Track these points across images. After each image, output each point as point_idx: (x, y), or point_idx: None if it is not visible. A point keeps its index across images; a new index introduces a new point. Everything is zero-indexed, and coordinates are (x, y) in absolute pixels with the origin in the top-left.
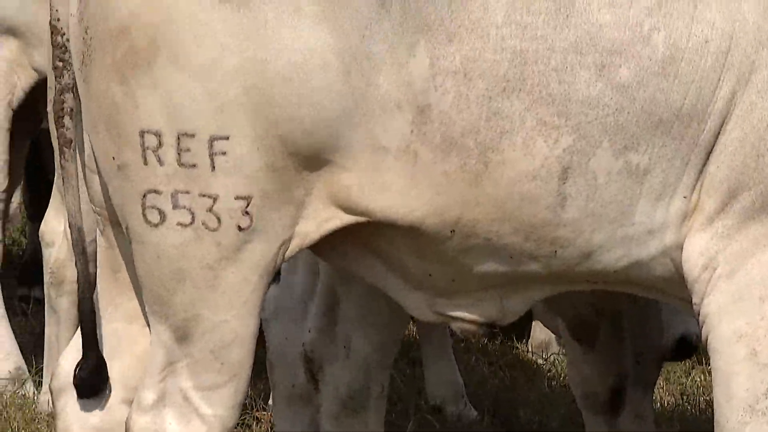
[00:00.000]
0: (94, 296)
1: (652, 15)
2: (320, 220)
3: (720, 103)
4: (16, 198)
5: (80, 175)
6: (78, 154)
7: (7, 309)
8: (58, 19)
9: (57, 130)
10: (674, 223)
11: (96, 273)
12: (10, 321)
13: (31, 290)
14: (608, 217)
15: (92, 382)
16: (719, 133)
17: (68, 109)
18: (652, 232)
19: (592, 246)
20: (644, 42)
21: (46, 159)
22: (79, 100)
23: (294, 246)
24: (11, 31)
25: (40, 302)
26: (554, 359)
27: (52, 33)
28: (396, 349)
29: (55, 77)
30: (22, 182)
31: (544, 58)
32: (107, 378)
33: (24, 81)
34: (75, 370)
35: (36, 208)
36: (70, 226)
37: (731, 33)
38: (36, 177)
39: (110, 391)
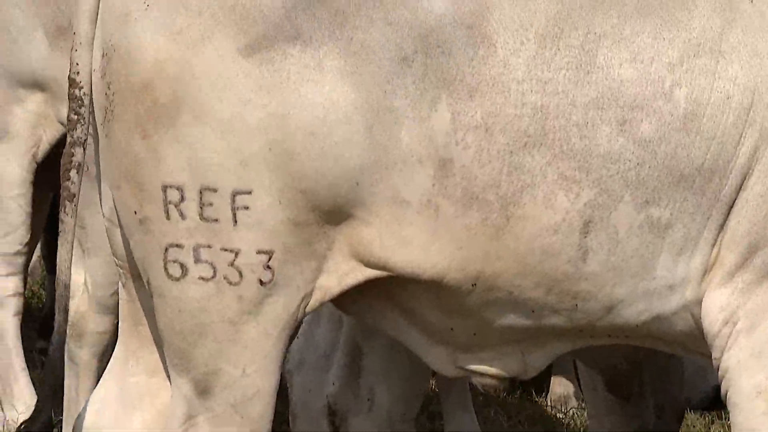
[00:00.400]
0: (116, 349)
1: (674, 71)
2: (341, 273)
3: (742, 159)
4: (36, 251)
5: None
6: (77, 209)
7: (27, 362)
8: (78, 72)
9: (62, 182)
10: (695, 278)
11: (117, 325)
12: (29, 374)
13: (50, 342)
14: (630, 271)
15: None
16: (741, 188)
17: (76, 163)
18: (673, 286)
19: (614, 300)
20: (666, 98)
21: None
22: (97, 154)
23: (315, 300)
24: (38, 85)
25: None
26: (573, 413)
27: (70, 86)
28: (419, 403)
29: (68, 130)
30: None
31: (566, 113)
32: None
33: (49, 134)
34: (19, 427)
35: (55, 261)
36: (56, 281)
37: (754, 88)
38: (55, 230)
39: None
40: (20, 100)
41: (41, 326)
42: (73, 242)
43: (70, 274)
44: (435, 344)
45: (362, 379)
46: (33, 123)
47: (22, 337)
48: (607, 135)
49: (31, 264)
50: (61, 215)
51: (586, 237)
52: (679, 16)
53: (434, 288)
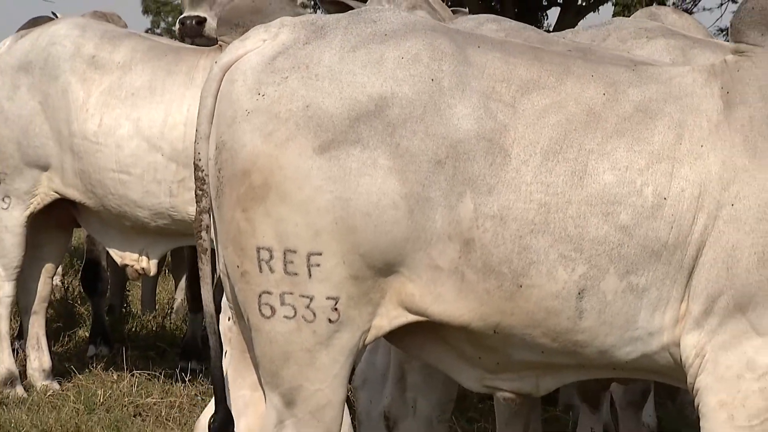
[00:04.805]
0: (227, 368)
1: (642, 174)
2: (391, 317)
3: (696, 235)
4: (180, 295)
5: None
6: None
7: (171, 377)
8: (200, 160)
9: (197, 241)
10: (669, 327)
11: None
12: (172, 385)
13: (189, 363)
14: (617, 325)
15: (223, 431)
16: (697, 256)
17: (205, 226)
18: (653, 334)
19: (606, 346)
20: (638, 194)
21: None
22: (213, 222)
23: (371, 335)
24: None
25: (195, 371)
26: (576, 418)
27: (195, 169)
28: (451, 407)
29: (196, 202)
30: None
31: (563, 208)
32: (233, 429)
33: None
34: (210, 422)
35: (197, 303)
36: (205, 312)
37: (701, 183)
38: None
39: None
40: None
41: (183, 351)
42: (212, 283)
43: (214, 306)
44: (466, 368)
45: (407, 393)
46: None
47: (166, 361)
48: (595, 224)
49: (176, 305)
50: (200, 265)
51: (581, 301)
52: (645, 134)
53: (464, 330)
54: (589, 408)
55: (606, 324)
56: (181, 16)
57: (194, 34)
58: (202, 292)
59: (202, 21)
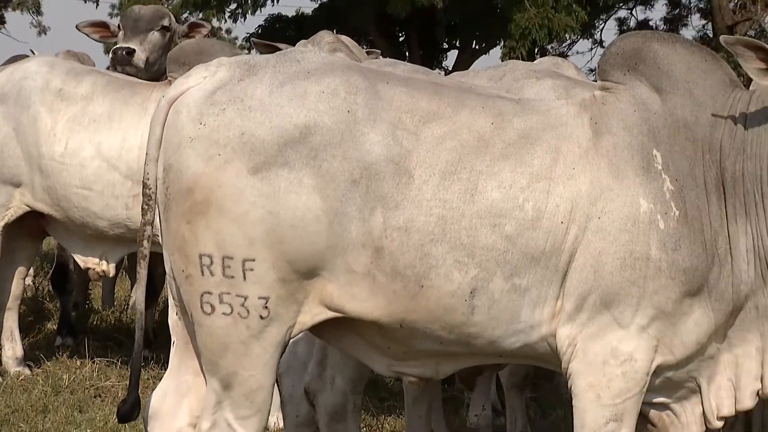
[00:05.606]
0: (173, 357)
1: (524, 192)
2: (313, 314)
3: (569, 243)
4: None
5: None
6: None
7: (126, 363)
8: (148, 179)
9: (138, 249)
10: (547, 321)
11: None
12: (128, 371)
13: (152, 352)
14: (503, 319)
15: (129, 413)
16: (570, 261)
17: (147, 235)
18: (533, 326)
19: (494, 337)
20: (520, 209)
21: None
22: (162, 231)
23: (297, 329)
24: None
25: (147, 358)
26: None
27: (143, 187)
28: (364, 383)
29: (142, 215)
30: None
31: (458, 220)
32: (138, 413)
33: None
34: (119, 405)
35: (149, 300)
36: (136, 309)
37: (572, 199)
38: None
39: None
40: None
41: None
42: (145, 285)
43: (144, 306)
44: (377, 356)
45: (327, 371)
46: None
47: (123, 349)
48: (485, 234)
49: (132, 301)
50: (138, 269)
51: (473, 299)
52: (526, 158)
53: (375, 325)
54: (465, 389)
55: (494, 319)
56: (115, 46)
57: (124, 62)
58: (137, 293)
59: (131, 52)
